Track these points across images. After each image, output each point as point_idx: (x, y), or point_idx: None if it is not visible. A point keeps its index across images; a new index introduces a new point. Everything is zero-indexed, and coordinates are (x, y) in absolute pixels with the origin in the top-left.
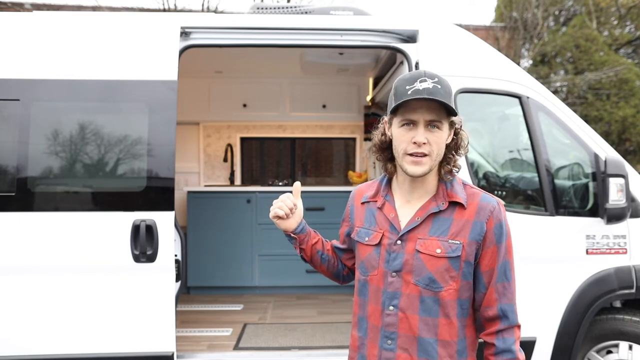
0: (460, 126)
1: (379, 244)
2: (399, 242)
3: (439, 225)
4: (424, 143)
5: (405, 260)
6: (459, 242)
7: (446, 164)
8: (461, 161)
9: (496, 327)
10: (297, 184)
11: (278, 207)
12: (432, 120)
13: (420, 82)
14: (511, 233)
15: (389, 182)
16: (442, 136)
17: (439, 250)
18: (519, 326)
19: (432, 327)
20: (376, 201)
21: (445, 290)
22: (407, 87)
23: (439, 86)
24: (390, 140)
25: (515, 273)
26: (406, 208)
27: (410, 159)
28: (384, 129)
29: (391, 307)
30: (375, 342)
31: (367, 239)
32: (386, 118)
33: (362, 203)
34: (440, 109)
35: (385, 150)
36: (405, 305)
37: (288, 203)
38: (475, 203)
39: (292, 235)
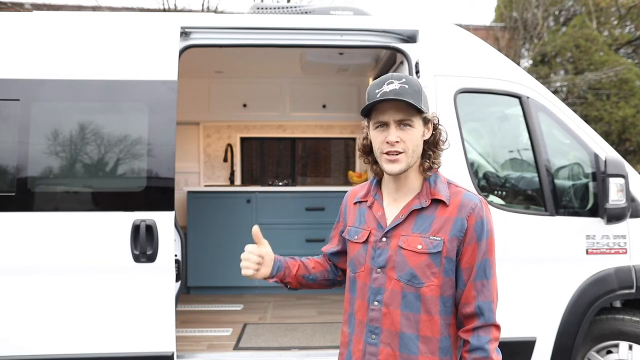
0: (438, 121)
1: (366, 242)
2: (384, 239)
3: (422, 222)
4: (397, 142)
5: (389, 256)
6: (440, 239)
7: (425, 161)
8: (445, 158)
9: (473, 324)
10: (255, 228)
11: (245, 266)
12: (402, 120)
13: (388, 84)
14: (494, 232)
15: (379, 183)
16: (414, 133)
17: (420, 246)
18: (497, 326)
19: (413, 322)
20: (366, 200)
21: (427, 286)
22: (376, 91)
23: (406, 86)
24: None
25: (515, 273)
26: (393, 207)
27: (386, 157)
28: (367, 133)
29: (375, 303)
30: (360, 338)
31: (356, 237)
32: (365, 122)
33: (355, 203)
34: (408, 108)
35: (370, 153)
36: (389, 301)
37: (253, 258)
38: (457, 200)
39: (271, 279)
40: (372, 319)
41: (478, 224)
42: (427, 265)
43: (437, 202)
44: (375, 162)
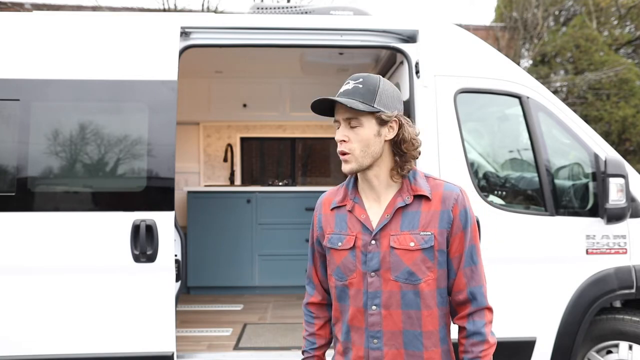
0: (404, 122)
1: (353, 247)
2: (373, 241)
3: (409, 220)
4: (343, 140)
5: (382, 257)
6: (430, 233)
7: (391, 168)
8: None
9: (467, 310)
10: None
11: None
12: (349, 118)
13: (345, 85)
14: (476, 218)
15: (356, 185)
16: (362, 132)
17: (412, 244)
18: (489, 308)
19: (415, 320)
20: (345, 205)
21: (424, 281)
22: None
23: (360, 86)
24: None
25: (515, 273)
26: (375, 207)
27: (341, 157)
28: None
29: (374, 307)
30: (360, 344)
31: (339, 244)
32: None
33: (332, 209)
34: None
35: None
36: (388, 303)
37: None
38: (439, 193)
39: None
40: (373, 324)
41: (462, 213)
42: (422, 261)
43: (419, 197)
44: None
